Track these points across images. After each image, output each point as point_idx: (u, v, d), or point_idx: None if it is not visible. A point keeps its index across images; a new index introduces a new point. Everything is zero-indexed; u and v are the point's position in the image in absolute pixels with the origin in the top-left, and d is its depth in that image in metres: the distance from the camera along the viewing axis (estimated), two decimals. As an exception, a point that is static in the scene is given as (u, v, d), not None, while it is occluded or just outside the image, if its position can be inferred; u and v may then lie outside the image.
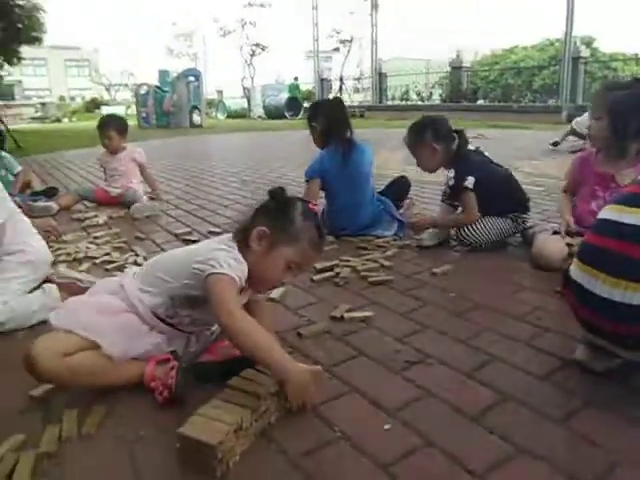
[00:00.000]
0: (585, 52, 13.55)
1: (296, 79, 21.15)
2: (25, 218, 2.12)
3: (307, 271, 1.57)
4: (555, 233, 2.39)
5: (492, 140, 7.69)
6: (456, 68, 16.05)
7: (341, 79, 19.61)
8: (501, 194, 2.59)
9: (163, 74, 15.33)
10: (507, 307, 1.92)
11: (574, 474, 1.10)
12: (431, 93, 18.53)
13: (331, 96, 18.84)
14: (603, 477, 1.10)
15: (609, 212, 1.40)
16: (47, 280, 2.05)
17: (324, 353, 1.62)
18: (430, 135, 2.57)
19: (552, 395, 1.38)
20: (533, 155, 6.30)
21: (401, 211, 3.02)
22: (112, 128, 3.91)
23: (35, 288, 1.99)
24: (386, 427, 1.27)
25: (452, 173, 2.57)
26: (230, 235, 1.50)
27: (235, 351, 1.44)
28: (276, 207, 1.47)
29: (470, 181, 2.50)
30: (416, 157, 2.68)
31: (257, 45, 26.70)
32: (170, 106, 13.91)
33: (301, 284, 2.17)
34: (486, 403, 1.35)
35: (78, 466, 1.18)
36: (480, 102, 16.08)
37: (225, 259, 1.37)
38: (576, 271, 1.41)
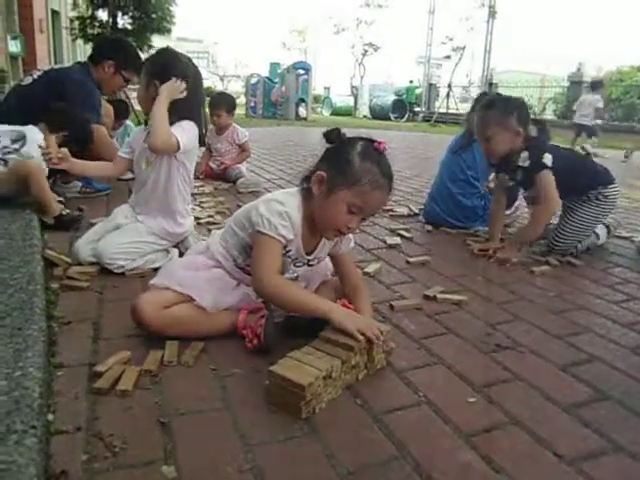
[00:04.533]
0: None
1: (411, 82, 20.98)
2: None
3: (374, 214, 1.50)
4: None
5: (609, 159, 7.24)
6: (575, 83, 15.16)
7: (449, 86, 19.22)
8: (579, 172, 2.39)
9: (274, 66, 15.77)
10: (613, 313, 1.82)
11: (675, 476, 1.03)
12: (544, 108, 17.69)
13: (437, 103, 18.70)
14: None
15: None
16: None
17: (415, 326, 1.62)
18: (516, 117, 2.30)
19: (655, 401, 1.29)
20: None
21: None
22: (222, 105, 4.09)
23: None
24: (470, 400, 1.25)
25: (525, 153, 2.30)
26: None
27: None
28: (335, 149, 1.44)
29: (548, 158, 2.26)
30: (491, 139, 2.32)
31: (370, 45, 26.80)
32: (278, 97, 14.28)
33: (396, 264, 2.18)
34: (581, 397, 1.29)
35: (174, 387, 1.26)
36: (598, 121, 15.12)
37: (269, 215, 1.40)
38: None
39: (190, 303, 1.45)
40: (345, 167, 1.38)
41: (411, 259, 2.25)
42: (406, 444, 1.09)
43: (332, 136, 1.43)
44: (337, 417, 1.18)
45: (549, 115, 16.92)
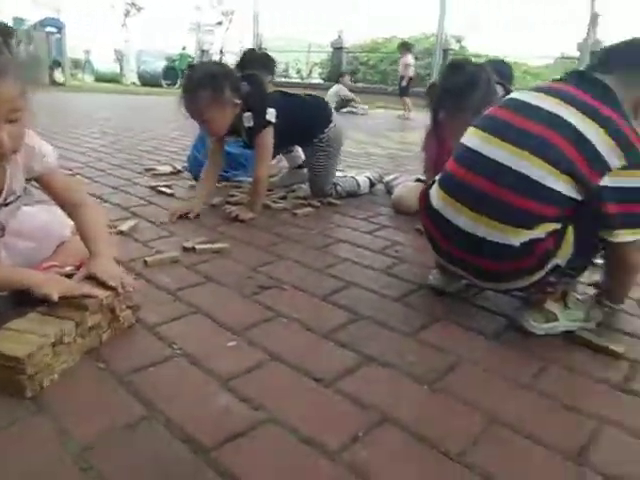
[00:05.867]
0: (455, 46, 14.42)
1: (184, 49, 20.08)
2: None
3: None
4: (418, 181, 2.43)
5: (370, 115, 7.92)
6: (337, 49, 16.24)
7: (221, 52, 18.99)
8: (298, 122, 2.28)
9: (17, 22, 13.64)
10: (367, 242, 1.91)
11: (419, 375, 1.10)
12: (311, 71, 18.63)
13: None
14: (445, 374, 1.11)
15: (474, 139, 1.32)
16: None
17: (170, 279, 1.48)
18: (229, 88, 2.06)
19: (405, 313, 1.37)
20: (402, 128, 6.58)
21: None
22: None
23: None
24: (230, 344, 1.17)
25: (249, 114, 2.13)
26: None
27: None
28: None
29: (271, 113, 2.14)
30: (210, 121, 2.10)
31: (132, 4, 24.84)
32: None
33: (155, 220, 2.00)
34: (339, 322, 1.30)
35: None
36: (360, 84, 16.44)
37: None
38: (439, 202, 1.34)
39: None
40: None
41: (170, 213, 2.08)
42: (156, 402, 0.96)
43: None
44: (74, 387, 1.00)
45: (315, 78, 17.86)
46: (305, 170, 2.59)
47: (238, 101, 2.11)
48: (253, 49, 2.94)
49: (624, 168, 1.16)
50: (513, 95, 1.35)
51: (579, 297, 1.39)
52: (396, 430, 0.93)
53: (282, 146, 2.32)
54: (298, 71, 18.49)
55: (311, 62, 19.01)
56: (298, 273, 1.60)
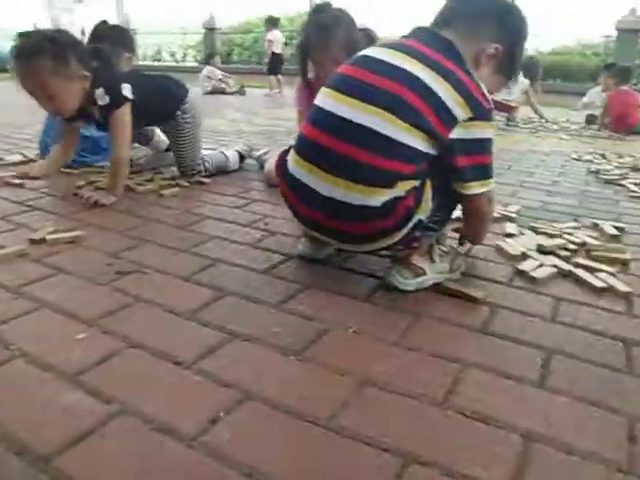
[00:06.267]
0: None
1: (35, 27, 18.31)
2: None
3: None
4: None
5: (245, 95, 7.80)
6: (210, 29, 15.75)
7: (82, 33, 17.66)
8: (152, 100, 2.17)
9: None
10: (236, 217, 1.85)
11: (284, 346, 1.06)
12: (185, 55, 17.93)
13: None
14: (313, 342, 1.08)
15: (326, 99, 1.28)
16: None
17: (13, 275, 1.32)
18: (75, 59, 1.89)
19: (272, 285, 1.33)
20: (276, 106, 6.54)
21: None
22: None
23: None
24: (79, 337, 1.06)
25: (101, 90, 1.94)
26: None
27: None
28: None
29: (127, 88, 1.99)
30: (54, 97, 1.90)
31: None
32: None
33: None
34: (202, 301, 1.23)
35: None
36: (235, 66, 16.10)
37: None
38: (295, 167, 1.29)
39: None
40: None
41: (20, 205, 1.87)
42: (-11, 414, 0.84)
43: None
44: None
45: (190, 61, 17.25)
46: (171, 153, 2.45)
47: (87, 73, 1.92)
48: (105, 21, 2.68)
49: (470, 120, 1.19)
50: (363, 52, 1.34)
51: (444, 249, 1.43)
52: (260, 405, 0.89)
53: (138, 125, 2.16)
54: (172, 54, 17.71)
55: (186, 45, 18.28)
56: (161, 255, 1.50)
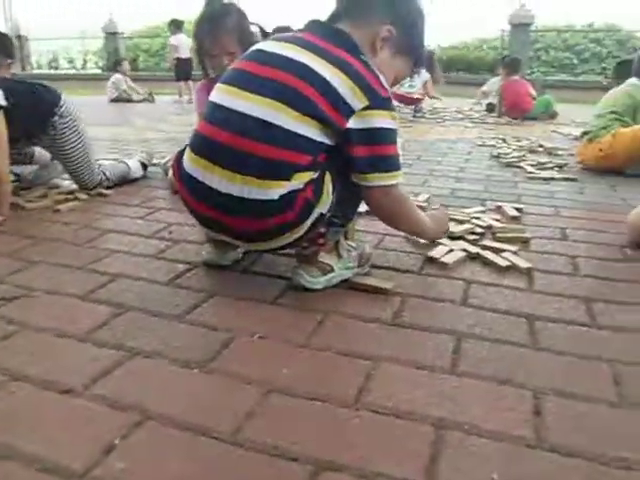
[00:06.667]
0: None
1: None
2: None
3: None
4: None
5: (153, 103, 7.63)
6: (111, 34, 15.06)
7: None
8: (26, 104, 2.00)
9: None
10: (139, 228, 1.75)
11: (187, 359, 0.99)
12: (85, 61, 17.08)
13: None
14: (218, 352, 1.02)
15: (221, 95, 1.24)
16: None
17: None
18: None
19: (175, 296, 1.26)
20: (185, 112, 6.36)
21: None
22: None
23: None
24: (-51, 377, 0.94)
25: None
26: None
27: None
28: None
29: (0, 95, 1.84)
30: None
31: None
32: None
33: None
34: (99, 320, 1.14)
35: None
36: (143, 73, 15.52)
37: None
38: (191, 166, 1.23)
39: None
40: None
41: None
42: None
43: None
44: None
45: (92, 68, 16.46)
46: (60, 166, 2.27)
47: None
48: None
49: (366, 108, 1.17)
50: (257, 46, 1.30)
51: (352, 244, 1.41)
52: (159, 426, 0.82)
53: (14, 138, 1.96)
54: (70, 61, 16.78)
55: (85, 50, 17.41)
56: (53, 275, 1.38)
